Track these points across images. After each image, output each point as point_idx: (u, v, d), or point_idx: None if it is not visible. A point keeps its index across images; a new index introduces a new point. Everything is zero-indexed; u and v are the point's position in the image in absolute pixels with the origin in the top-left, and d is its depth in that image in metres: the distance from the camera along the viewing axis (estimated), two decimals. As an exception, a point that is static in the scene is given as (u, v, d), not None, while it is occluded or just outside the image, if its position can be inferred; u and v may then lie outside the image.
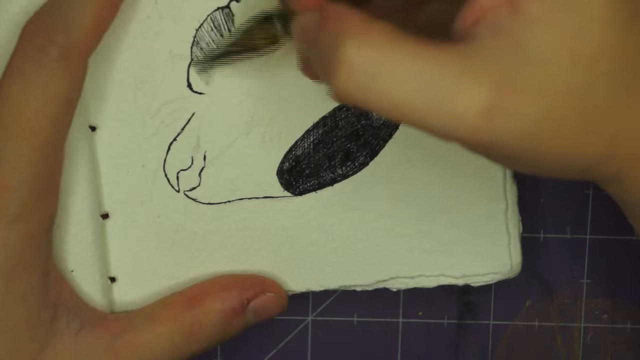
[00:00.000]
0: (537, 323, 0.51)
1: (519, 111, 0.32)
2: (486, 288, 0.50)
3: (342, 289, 0.47)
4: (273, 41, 0.40)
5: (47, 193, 0.41)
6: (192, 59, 0.43)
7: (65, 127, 0.41)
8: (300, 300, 0.49)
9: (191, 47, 0.43)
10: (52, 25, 0.39)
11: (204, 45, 0.43)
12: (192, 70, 0.43)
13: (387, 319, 0.51)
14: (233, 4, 0.43)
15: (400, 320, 0.51)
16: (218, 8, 0.43)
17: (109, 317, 0.43)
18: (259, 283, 0.45)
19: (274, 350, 0.51)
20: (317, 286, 0.46)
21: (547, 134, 0.33)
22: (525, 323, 0.51)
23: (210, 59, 0.43)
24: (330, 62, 0.33)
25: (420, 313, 0.51)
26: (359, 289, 0.47)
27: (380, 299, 0.49)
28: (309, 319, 0.51)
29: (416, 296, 0.50)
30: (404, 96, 0.33)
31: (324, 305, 0.51)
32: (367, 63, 0.33)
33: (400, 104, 0.33)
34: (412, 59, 0.33)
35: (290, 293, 0.46)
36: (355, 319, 0.51)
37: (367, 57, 0.33)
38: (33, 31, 0.39)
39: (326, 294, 0.49)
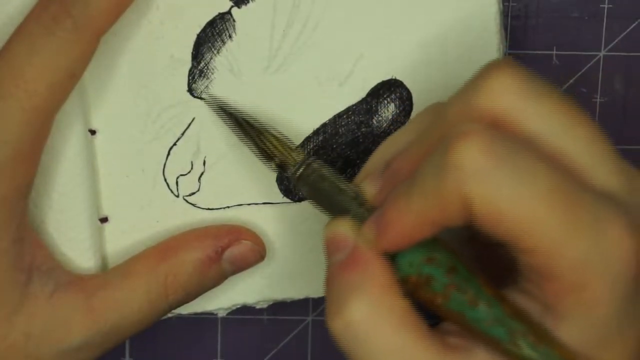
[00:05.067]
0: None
1: None
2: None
3: (341, 295, 0.47)
4: (274, 161, 0.41)
5: (27, 159, 0.40)
6: (195, 69, 0.43)
7: (62, 98, 0.40)
8: (301, 301, 0.49)
9: (192, 53, 0.43)
10: None
11: (207, 58, 0.43)
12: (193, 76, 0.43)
13: (388, 319, 0.51)
14: (234, 10, 0.43)
15: (401, 320, 0.51)
16: (219, 14, 0.43)
17: (85, 278, 0.43)
18: (234, 231, 0.44)
19: (274, 351, 0.51)
20: (316, 293, 0.46)
21: None
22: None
23: (224, 112, 0.43)
24: (333, 305, 0.36)
25: (421, 313, 0.51)
26: (357, 294, 0.47)
27: (381, 300, 0.49)
28: (309, 319, 0.51)
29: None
30: None
31: (324, 306, 0.51)
32: (360, 333, 0.35)
33: None
34: (403, 346, 0.35)
35: (289, 300, 0.46)
36: (356, 319, 0.51)
37: (363, 327, 0.35)
38: None
39: (326, 294, 0.49)
